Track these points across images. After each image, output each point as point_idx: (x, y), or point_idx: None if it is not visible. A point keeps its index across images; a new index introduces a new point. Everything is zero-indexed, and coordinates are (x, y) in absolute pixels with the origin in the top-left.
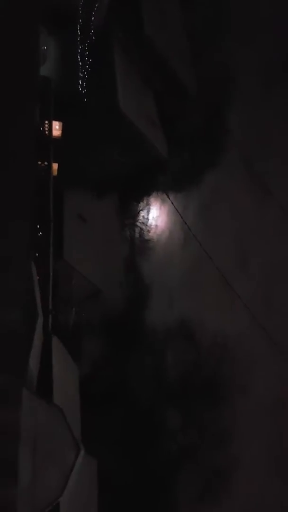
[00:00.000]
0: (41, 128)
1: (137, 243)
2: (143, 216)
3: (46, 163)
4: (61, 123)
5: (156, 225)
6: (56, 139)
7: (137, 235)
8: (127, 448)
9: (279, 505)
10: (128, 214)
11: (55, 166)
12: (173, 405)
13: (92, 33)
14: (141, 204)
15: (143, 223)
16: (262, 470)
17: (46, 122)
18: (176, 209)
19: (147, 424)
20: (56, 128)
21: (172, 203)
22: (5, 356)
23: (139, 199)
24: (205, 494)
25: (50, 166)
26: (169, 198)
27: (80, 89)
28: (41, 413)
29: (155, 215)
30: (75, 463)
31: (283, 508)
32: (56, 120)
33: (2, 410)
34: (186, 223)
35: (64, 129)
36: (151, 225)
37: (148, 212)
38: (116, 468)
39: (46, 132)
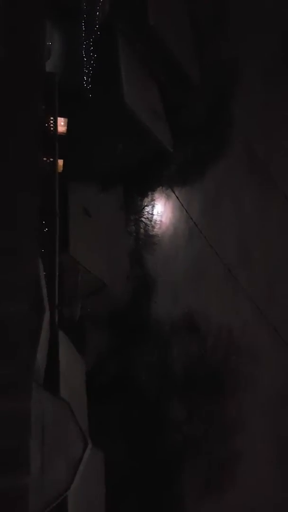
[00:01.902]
0: (46, 124)
1: (142, 237)
2: (148, 211)
3: (51, 159)
4: (66, 119)
5: (161, 220)
6: (61, 135)
7: (142, 229)
8: (132, 440)
9: (282, 497)
10: (133, 208)
11: (60, 162)
12: (178, 397)
13: (96, 27)
14: (146, 199)
15: (148, 217)
16: (267, 462)
17: (51, 118)
18: (181, 204)
19: (152, 416)
20: (61, 124)
21: (177, 197)
22: (13, 349)
23: (144, 194)
24: (209, 486)
25: (55, 162)
26: (174, 193)
27: (85, 84)
28: (48, 406)
29: (160, 210)
30: (82, 456)
31: (285, 500)
32: (61, 116)
33: (13, 401)
34: (191, 218)
35: (69, 125)
36: (156, 219)
37: (153, 206)
38: (122, 460)
39: (51, 128)
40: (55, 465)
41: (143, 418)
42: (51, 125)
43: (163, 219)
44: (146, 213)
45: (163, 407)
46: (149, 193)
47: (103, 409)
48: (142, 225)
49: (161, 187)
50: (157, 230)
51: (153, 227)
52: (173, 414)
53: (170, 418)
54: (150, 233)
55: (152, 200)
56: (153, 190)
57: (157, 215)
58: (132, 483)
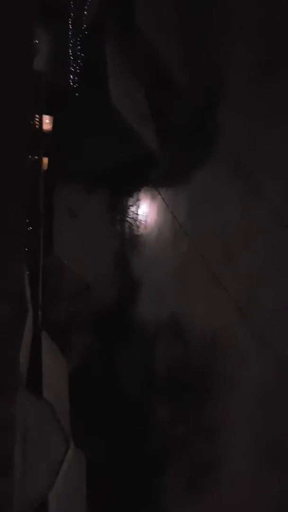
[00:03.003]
0: (31, 122)
1: (128, 238)
2: (134, 212)
3: (36, 157)
4: (51, 117)
5: (146, 221)
6: (47, 133)
7: (127, 230)
8: (115, 441)
9: (267, 497)
10: (119, 209)
11: (45, 160)
12: (161, 398)
13: (84, 26)
14: (132, 200)
15: (133, 218)
16: (250, 463)
17: (37, 116)
18: (167, 205)
19: (135, 417)
20: (47, 122)
21: (163, 199)
22: None
23: (130, 195)
24: (192, 486)
25: (40, 160)
26: (160, 194)
27: (72, 83)
28: (31, 408)
29: (146, 211)
30: (64, 458)
31: (270, 499)
32: (47, 114)
33: None
34: (177, 219)
35: (54, 123)
36: (141, 220)
37: (138, 207)
38: (104, 461)
39: (37, 126)
40: (36, 467)
41: (126, 418)
42: (37, 123)
43: (149, 220)
44: (131, 214)
45: (146, 407)
46: (135, 194)
47: (85, 409)
48: (127, 225)
49: (146, 188)
50: (142, 231)
51: (138, 228)
52: (156, 415)
53: (153, 419)
54: (135, 234)
55: (138, 201)
56: (138, 191)
57: (143, 216)
58: (113, 484)
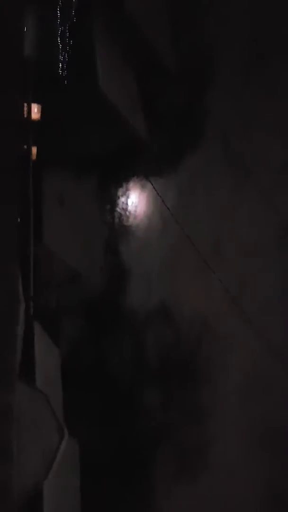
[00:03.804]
0: (19, 110)
1: (117, 226)
2: (124, 199)
3: (25, 146)
4: (40, 106)
5: (136, 209)
6: (35, 122)
7: (116, 218)
8: (106, 427)
9: (258, 480)
10: (108, 196)
11: (34, 149)
12: (152, 384)
13: (72, 12)
14: (122, 187)
15: (123, 205)
16: (238, 446)
17: (25, 104)
18: (157, 193)
19: (126, 403)
20: (35, 110)
21: (154, 186)
22: None
23: (119, 182)
24: (182, 471)
25: (29, 149)
26: (151, 182)
27: (60, 70)
28: (24, 397)
29: (135, 199)
30: (59, 447)
31: (256, 480)
32: (35, 102)
33: None
34: (167, 207)
35: (43, 112)
36: (131, 208)
37: (128, 195)
38: (94, 447)
39: (25, 115)
40: (31, 456)
41: (117, 405)
42: (25, 111)
43: (138, 209)
44: (121, 201)
45: (136, 394)
46: (124, 181)
47: (76, 397)
48: (116, 214)
49: (136, 176)
50: (131, 219)
51: (128, 215)
52: (146, 401)
53: (143, 405)
54: (125, 223)
55: (127, 189)
56: (128, 178)
57: (132, 204)
58: (104, 470)
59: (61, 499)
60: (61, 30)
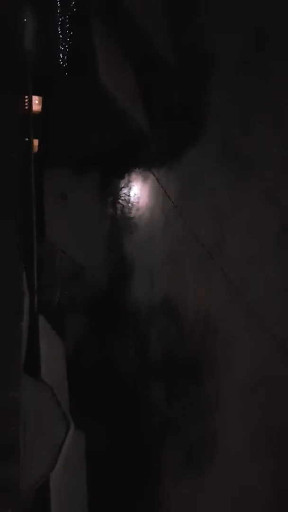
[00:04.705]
0: (20, 103)
1: (120, 220)
2: (126, 194)
3: (26, 139)
4: (40, 98)
5: (138, 203)
6: (36, 115)
7: (119, 212)
8: (111, 422)
9: (262, 475)
10: (111, 191)
11: (35, 142)
12: (156, 380)
13: (72, 4)
14: (124, 181)
15: (125, 200)
16: (243, 441)
17: (26, 97)
18: (161, 186)
19: (130, 398)
20: (36, 103)
21: (157, 179)
22: None
23: (121, 176)
24: (188, 466)
25: (31, 143)
26: (154, 175)
27: (61, 62)
28: (31, 391)
29: (138, 192)
30: (65, 439)
31: (262, 473)
32: (35, 95)
33: (2, 389)
34: (171, 200)
35: (44, 104)
36: (133, 202)
37: (130, 188)
38: (100, 442)
39: (26, 107)
40: (37, 449)
41: (121, 400)
42: (26, 104)
43: (141, 202)
44: (123, 195)
45: (141, 389)
46: (126, 175)
47: (83, 392)
48: (119, 207)
49: (138, 169)
50: (134, 212)
51: (130, 209)
52: (151, 396)
53: (148, 401)
54: (128, 216)
55: (129, 182)
56: (130, 172)
57: (135, 197)
58: (109, 465)
59: (67, 490)
60: (61, 21)
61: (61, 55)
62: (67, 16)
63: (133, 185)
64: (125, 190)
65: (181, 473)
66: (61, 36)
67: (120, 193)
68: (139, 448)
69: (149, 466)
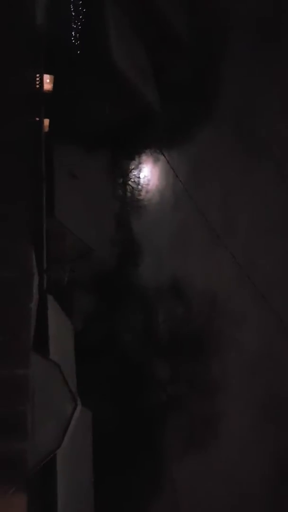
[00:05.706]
0: (31, 81)
1: (129, 201)
2: (135, 174)
3: (37, 118)
4: (52, 77)
5: (148, 183)
6: (47, 93)
7: (129, 193)
8: (117, 399)
9: (265, 452)
10: (120, 171)
11: (46, 121)
12: (162, 358)
13: None
14: (134, 162)
15: (135, 181)
16: (247, 420)
17: (37, 75)
18: (171, 167)
19: (137, 376)
20: (47, 81)
21: (167, 159)
22: (5, 315)
23: (131, 157)
24: (192, 442)
25: (41, 122)
26: (164, 155)
27: (73, 40)
28: (39, 369)
29: (148, 173)
30: (72, 416)
31: (266, 453)
32: (47, 73)
33: (9, 368)
34: (180, 181)
35: (55, 83)
36: (143, 182)
37: (140, 170)
38: (106, 418)
39: (37, 86)
40: (45, 425)
41: (128, 378)
42: (37, 82)
43: (151, 183)
44: (133, 176)
45: (147, 367)
46: (137, 156)
47: (88, 369)
48: (129, 189)
49: (149, 150)
50: (144, 194)
51: (140, 191)
52: (157, 374)
53: (154, 378)
54: (137, 197)
55: (140, 163)
56: (140, 153)
57: (145, 178)
58: (115, 441)
59: (74, 467)
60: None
61: (74, 31)
62: None
63: (143, 166)
64: (135, 171)
65: (185, 448)
66: (73, 14)
67: (130, 173)
68: (142, 424)
69: (153, 441)
